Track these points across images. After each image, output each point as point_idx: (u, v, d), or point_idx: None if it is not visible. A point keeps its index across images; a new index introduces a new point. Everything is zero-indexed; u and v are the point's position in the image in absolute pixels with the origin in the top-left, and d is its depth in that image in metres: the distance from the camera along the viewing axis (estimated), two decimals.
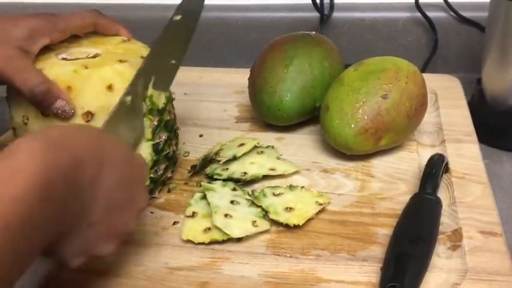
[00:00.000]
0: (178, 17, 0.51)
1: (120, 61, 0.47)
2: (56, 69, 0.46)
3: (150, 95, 0.48)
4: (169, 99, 0.52)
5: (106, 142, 0.37)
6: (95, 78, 0.46)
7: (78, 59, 0.48)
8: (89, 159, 0.34)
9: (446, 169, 0.53)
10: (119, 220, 0.37)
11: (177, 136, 0.55)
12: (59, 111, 0.44)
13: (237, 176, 0.54)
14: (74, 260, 0.35)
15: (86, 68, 0.46)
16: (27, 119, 0.47)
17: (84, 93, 0.45)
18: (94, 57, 0.48)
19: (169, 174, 0.54)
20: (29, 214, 0.28)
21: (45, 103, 0.44)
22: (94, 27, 0.51)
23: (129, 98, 0.45)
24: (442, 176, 0.51)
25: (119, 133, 0.44)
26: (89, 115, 0.45)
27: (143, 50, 0.51)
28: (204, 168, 0.56)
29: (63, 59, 0.48)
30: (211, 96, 0.70)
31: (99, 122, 0.45)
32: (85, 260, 0.36)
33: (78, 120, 0.45)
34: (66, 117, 0.45)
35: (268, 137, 0.61)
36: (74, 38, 0.51)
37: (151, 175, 0.50)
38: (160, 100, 0.49)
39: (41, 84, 0.44)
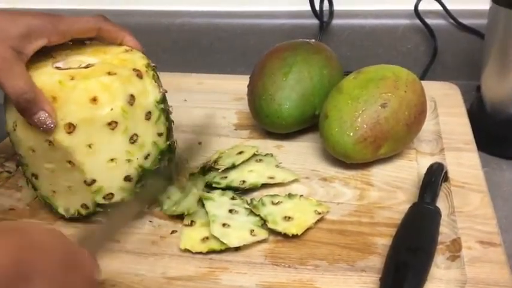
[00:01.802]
0: None
1: (109, 73, 0.46)
2: (44, 78, 0.46)
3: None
4: (166, 113, 0.51)
5: (38, 249, 0.32)
6: (79, 90, 0.45)
7: (70, 68, 0.47)
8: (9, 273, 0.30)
9: (446, 178, 0.53)
10: None
11: (172, 151, 0.53)
12: (40, 123, 0.44)
13: (235, 184, 0.54)
14: None
15: (72, 79, 0.45)
16: (16, 125, 0.46)
17: (68, 105, 0.44)
18: (86, 67, 0.48)
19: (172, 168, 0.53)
20: None
21: (28, 112, 0.44)
22: (97, 32, 0.50)
23: None
24: (441, 185, 0.51)
25: None
26: (71, 127, 0.45)
27: (139, 61, 0.50)
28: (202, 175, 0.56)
29: (57, 67, 0.47)
30: (210, 103, 0.70)
31: (81, 134, 0.45)
32: None
33: (61, 131, 0.45)
34: (45, 130, 0.44)
35: (267, 145, 0.61)
36: (77, 45, 0.51)
37: (157, 166, 0.50)
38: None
39: (27, 93, 0.43)
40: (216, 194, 0.52)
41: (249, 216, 0.50)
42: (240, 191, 0.53)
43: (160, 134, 0.50)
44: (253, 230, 0.48)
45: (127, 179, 0.48)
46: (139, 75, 0.48)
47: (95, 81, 0.45)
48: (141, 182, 0.49)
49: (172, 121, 0.54)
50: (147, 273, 0.45)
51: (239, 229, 0.48)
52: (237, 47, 0.82)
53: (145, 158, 0.49)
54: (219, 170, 0.55)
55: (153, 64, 0.52)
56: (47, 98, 0.44)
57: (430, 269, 0.43)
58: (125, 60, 0.49)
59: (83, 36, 0.50)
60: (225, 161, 0.56)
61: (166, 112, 0.51)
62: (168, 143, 0.51)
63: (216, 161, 0.56)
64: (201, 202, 0.52)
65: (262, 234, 0.48)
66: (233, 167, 0.55)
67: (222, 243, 0.46)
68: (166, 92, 0.51)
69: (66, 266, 0.33)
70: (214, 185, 0.54)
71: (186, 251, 0.47)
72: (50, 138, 0.45)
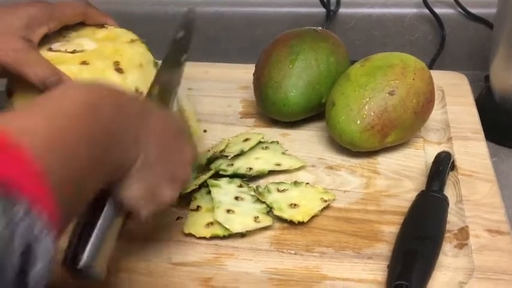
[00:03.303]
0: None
1: (83, 63, 0.46)
2: None
3: None
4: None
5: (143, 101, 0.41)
6: None
7: (59, 51, 0.47)
8: (130, 104, 0.35)
9: (453, 167, 0.52)
10: (175, 166, 0.38)
11: None
12: None
13: (242, 171, 0.53)
14: (143, 208, 0.36)
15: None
16: None
17: (34, 85, 0.44)
18: (73, 52, 0.47)
19: None
20: (86, 130, 0.30)
21: None
22: (84, 16, 0.51)
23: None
24: (448, 173, 0.51)
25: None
26: None
27: (133, 55, 0.49)
28: (209, 164, 0.55)
29: (49, 49, 0.47)
30: (216, 92, 0.70)
31: None
32: (154, 208, 0.37)
33: None
34: None
35: (273, 133, 0.61)
36: (93, 27, 0.51)
37: None
38: None
39: (51, 77, 0.44)
40: (223, 181, 0.52)
41: (254, 204, 0.49)
42: (247, 178, 0.53)
43: None
44: (257, 217, 0.48)
45: None
46: (119, 70, 0.47)
47: (64, 68, 0.45)
48: None
49: None
50: (152, 259, 0.45)
51: (243, 215, 0.48)
52: (243, 36, 0.82)
53: None
54: (229, 157, 0.54)
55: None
56: (69, 77, 0.45)
57: (438, 257, 0.43)
58: (119, 50, 0.48)
59: (73, 21, 0.50)
60: (232, 148, 0.56)
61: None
62: None
63: (223, 150, 0.56)
64: (208, 189, 0.51)
65: (266, 221, 0.47)
66: (241, 153, 0.55)
67: (226, 229, 0.46)
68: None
69: (174, 133, 0.39)
70: (221, 172, 0.53)
71: (191, 236, 0.47)
72: None
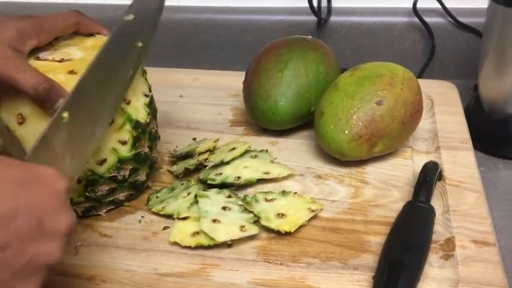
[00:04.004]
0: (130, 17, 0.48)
1: (70, 72, 0.46)
2: None
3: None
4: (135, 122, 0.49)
5: None
6: None
7: (47, 60, 0.47)
8: None
9: (440, 177, 0.53)
10: (30, 252, 0.31)
11: (153, 139, 0.52)
12: None
13: (230, 180, 0.53)
14: None
15: None
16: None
17: (20, 95, 0.44)
18: (61, 61, 0.47)
19: (142, 178, 0.52)
20: None
21: (49, 101, 0.44)
22: (77, 26, 0.50)
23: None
24: (435, 183, 0.51)
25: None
26: (22, 117, 0.45)
27: None
28: (195, 172, 0.55)
29: (37, 58, 0.47)
30: (206, 99, 0.70)
31: (31, 126, 0.45)
32: None
33: (13, 120, 0.45)
34: None
35: (262, 142, 0.61)
36: (82, 36, 0.51)
37: (114, 174, 0.48)
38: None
39: (43, 83, 0.43)
40: (211, 192, 0.52)
41: (242, 213, 0.49)
42: (235, 187, 0.53)
43: (123, 142, 0.48)
44: (243, 226, 0.47)
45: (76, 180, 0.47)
46: None
47: (52, 77, 0.44)
48: (93, 186, 0.48)
49: (158, 136, 0.54)
50: (138, 269, 0.45)
51: (229, 225, 0.47)
52: (235, 43, 0.82)
53: (100, 163, 0.47)
54: (207, 167, 0.54)
55: None
56: (60, 84, 0.44)
57: (423, 267, 0.43)
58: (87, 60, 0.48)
59: (65, 32, 0.50)
60: (216, 158, 0.56)
61: (136, 122, 0.49)
62: (133, 152, 0.49)
63: (206, 159, 0.56)
64: (195, 198, 0.51)
65: (252, 230, 0.47)
66: (224, 163, 0.54)
67: (211, 238, 0.46)
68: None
69: (22, 182, 0.32)
70: (209, 182, 0.53)
71: (177, 245, 0.47)
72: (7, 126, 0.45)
